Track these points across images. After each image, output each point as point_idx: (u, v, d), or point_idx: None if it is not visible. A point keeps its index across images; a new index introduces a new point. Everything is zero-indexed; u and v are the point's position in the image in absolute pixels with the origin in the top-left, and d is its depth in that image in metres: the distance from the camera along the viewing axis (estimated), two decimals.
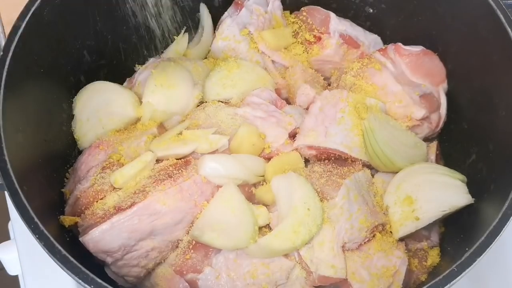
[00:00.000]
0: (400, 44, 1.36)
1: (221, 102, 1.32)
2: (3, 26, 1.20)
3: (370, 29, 1.49)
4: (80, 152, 1.26)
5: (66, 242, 1.05)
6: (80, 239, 1.06)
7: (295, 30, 1.44)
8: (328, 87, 1.43)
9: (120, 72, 1.43)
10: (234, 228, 1.09)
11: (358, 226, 1.14)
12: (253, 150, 1.22)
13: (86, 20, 1.29)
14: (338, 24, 1.41)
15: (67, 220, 1.12)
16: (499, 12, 1.14)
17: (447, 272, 0.93)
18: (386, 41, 1.47)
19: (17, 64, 1.07)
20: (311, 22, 1.43)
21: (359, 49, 1.43)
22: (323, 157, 1.25)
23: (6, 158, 0.98)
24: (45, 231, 0.93)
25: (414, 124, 1.28)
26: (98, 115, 1.27)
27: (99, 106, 1.27)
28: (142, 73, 1.37)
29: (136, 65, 1.46)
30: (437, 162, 1.31)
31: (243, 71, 1.34)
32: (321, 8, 1.45)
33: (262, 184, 1.22)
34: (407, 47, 1.35)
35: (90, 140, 1.26)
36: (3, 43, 1.09)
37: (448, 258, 1.20)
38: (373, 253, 1.16)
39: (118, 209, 1.07)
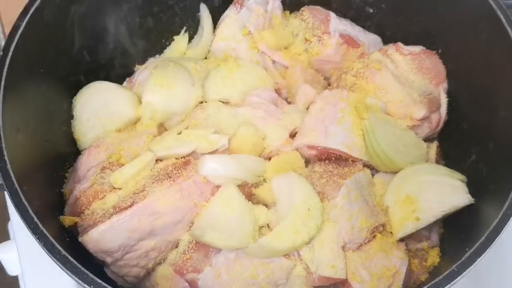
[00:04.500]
0: (400, 44, 1.36)
1: (221, 102, 1.32)
2: (3, 26, 1.20)
3: (370, 29, 1.49)
4: (80, 152, 1.26)
5: (66, 242, 1.05)
6: (80, 239, 1.06)
7: (295, 30, 1.44)
8: (328, 87, 1.43)
9: (120, 72, 1.43)
10: (234, 228, 1.09)
11: (358, 227, 1.14)
12: (253, 150, 1.22)
13: (86, 20, 1.29)
14: (338, 24, 1.41)
15: (67, 220, 1.12)
16: (499, 12, 1.15)
17: (447, 272, 0.93)
18: (386, 41, 1.47)
19: (17, 64, 1.07)
20: (311, 22, 1.43)
21: (359, 49, 1.43)
22: (323, 157, 1.25)
23: (6, 158, 0.98)
24: (45, 231, 0.93)
25: (414, 124, 1.28)
26: (98, 115, 1.27)
27: (99, 106, 1.28)
28: (142, 73, 1.37)
29: (136, 65, 1.46)
30: (437, 162, 1.31)
31: (243, 71, 1.34)
32: (321, 8, 1.45)
33: (262, 184, 1.22)
34: (407, 47, 1.35)
35: (90, 140, 1.26)
36: (3, 43, 1.09)
37: (448, 258, 1.20)
38: (373, 253, 1.16)
39: (118, 209, 1.07)
